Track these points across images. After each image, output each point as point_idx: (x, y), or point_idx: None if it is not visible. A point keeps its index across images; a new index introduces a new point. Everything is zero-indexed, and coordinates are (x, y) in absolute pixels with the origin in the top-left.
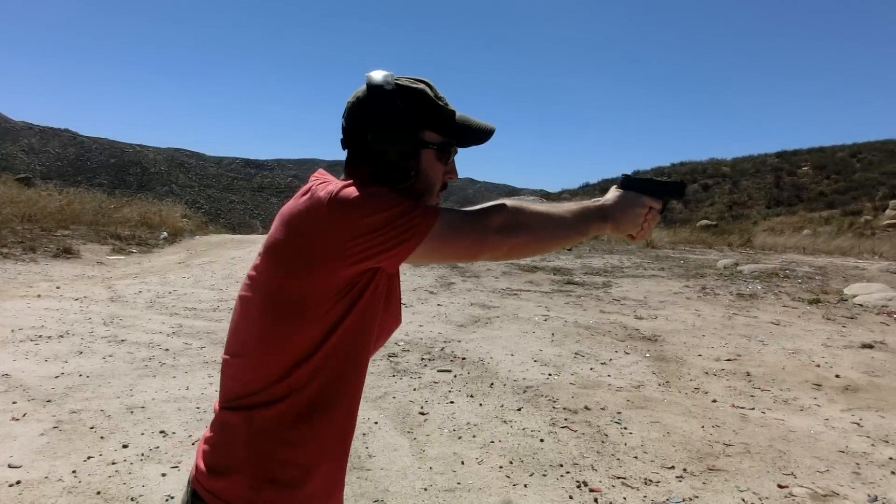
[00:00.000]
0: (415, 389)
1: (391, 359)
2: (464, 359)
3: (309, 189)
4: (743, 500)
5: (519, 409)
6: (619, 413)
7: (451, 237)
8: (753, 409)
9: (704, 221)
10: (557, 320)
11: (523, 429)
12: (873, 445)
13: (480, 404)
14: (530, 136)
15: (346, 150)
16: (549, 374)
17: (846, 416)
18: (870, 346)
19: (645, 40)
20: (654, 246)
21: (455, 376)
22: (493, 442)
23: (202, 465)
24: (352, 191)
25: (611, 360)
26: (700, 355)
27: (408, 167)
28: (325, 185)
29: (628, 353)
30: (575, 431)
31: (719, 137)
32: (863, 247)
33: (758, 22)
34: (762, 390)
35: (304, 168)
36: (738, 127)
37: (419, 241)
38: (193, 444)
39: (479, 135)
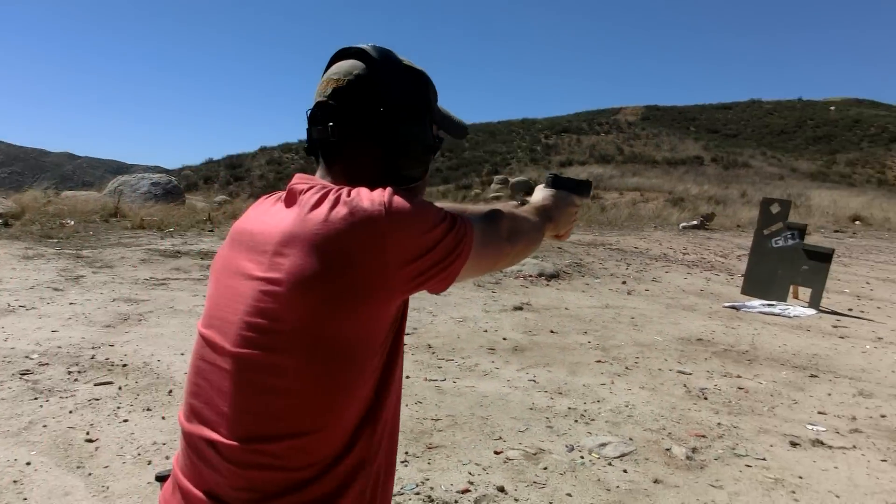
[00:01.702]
0: (71, 412)
1: (25, 377)
2: (125, 365)
3: (334, 201)
4: (470, 473)
5: None
6: None
7: (482, 250)
8: (445, 380)
9: None
10: None
11: None
12: (552, 399)
13: (163, 417)
14: (144, 108)
15: (336, 140)
16: None
17: (522, 374)
18: (520, 308)
19: (242, 21)
20: None
21: (120, 388)
22: None
23: None
24: (402, 201)
25: None
26: None
27: (427, 163)
28: (359, 194)
29: None
30: None
31: None
32: None
33: (366, 21)
34: (447, 360)
35: None
36: None
37: (468, 256)
38: None
39: (462, 132)
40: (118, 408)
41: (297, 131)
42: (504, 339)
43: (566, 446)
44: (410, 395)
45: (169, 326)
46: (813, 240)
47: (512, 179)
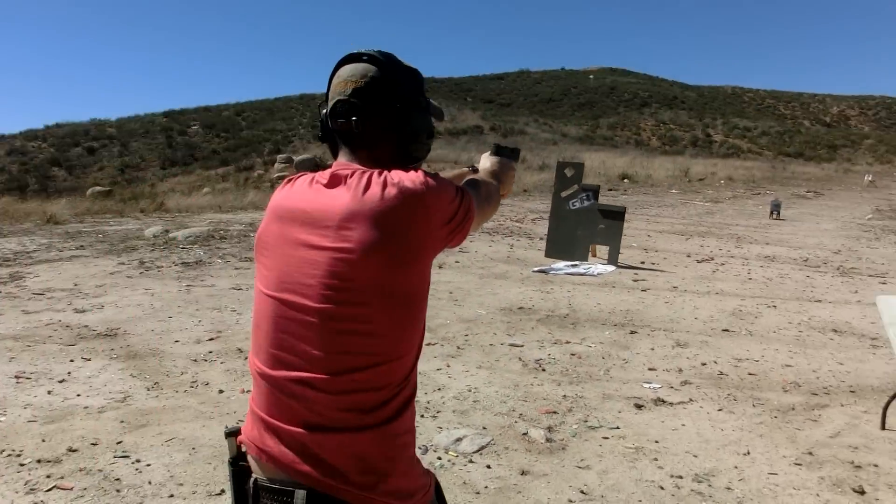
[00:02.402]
0: None
1: None
2: None
3: (383, 183)
4: None
5: None
6: (120, 443)
7: (478, 211)
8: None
9: (97, 188)
10: None
11: None
12: None
13: None
14: None
15: (359, 132)
16: None
17: None
18: None
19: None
20: (57, 221)
21: None
22: None
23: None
24: (433, 179)
25: (70, 373)
26: (178, 341)
27: (429, 145)
28: (399, 176)
29: (89, 359)
30: (72, 489)
31: (101, 97)
32: (268, 200)
33: None
34: None
35: None
36: (121, 86)
37: (474, 216)
38: None
39: (441, 115)
40: None
41: (43, 116)
42: None
43: (420, 448)
44: (227, 413)
45: None
46: None
47: (296, 158)
